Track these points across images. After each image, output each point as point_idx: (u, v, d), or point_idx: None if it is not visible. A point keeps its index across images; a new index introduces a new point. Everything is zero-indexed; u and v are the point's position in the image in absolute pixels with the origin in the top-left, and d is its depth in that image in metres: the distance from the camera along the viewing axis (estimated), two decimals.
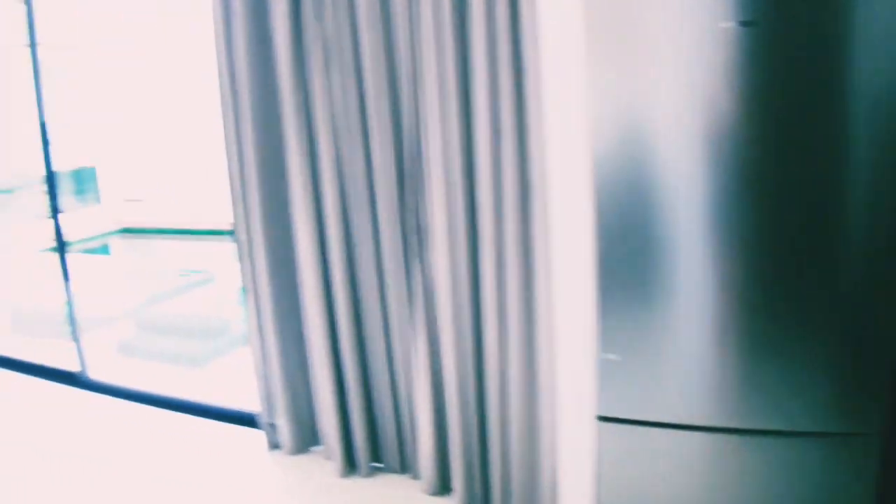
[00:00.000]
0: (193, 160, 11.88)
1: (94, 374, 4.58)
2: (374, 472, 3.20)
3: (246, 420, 3.71)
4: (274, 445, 3.47)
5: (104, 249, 12.99)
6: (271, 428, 3.45)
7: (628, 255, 2.08)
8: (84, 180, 14.31)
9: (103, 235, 13.38)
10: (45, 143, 4.40)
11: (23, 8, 4.20)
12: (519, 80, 2.42)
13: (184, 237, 12.13)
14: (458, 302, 2.72)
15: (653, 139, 2.00)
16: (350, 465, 3.21)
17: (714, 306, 2.03)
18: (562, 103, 2.28)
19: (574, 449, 2.47)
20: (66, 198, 13.60)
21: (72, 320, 4.57)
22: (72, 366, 4.62)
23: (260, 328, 3.31)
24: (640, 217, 2.05)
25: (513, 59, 2.40)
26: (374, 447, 3.19)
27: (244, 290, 3.37)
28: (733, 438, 2.08)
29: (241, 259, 3.31)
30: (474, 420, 2.81)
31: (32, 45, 4.29)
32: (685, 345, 2.07)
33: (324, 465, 3.29)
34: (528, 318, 2.59)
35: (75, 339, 4.56)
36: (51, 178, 4.51)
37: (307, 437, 3.40)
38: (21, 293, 8.15)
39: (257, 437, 3.55)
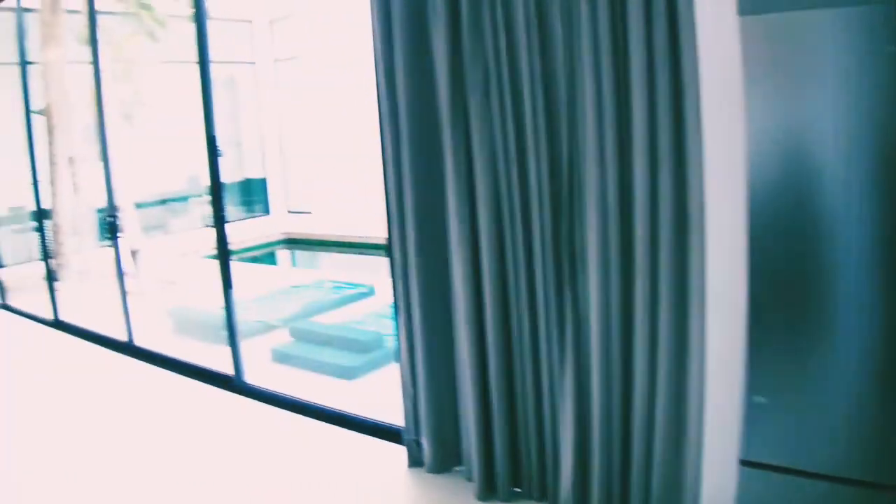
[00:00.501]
0: (363, 175, 12.36)
1: (249, 379, 5.00)
2: (513, 496, 3.29)
3: (390, 434, 3.92)
4: (415, 462, 3.63)
5: (270, 259, 13.78)
6: (415, 445, 3.61)
7: (783, 291, 2.09)
8: (254, 191, 15.28)
9: (270, 245, 14.22)
10: (213, 154, 4.85)
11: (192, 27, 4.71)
12: (678, 107, 2.49)
13: (348, 250, 12.68)
14: (608, 332, 2.79)
15: (814, 169, 2.01)
16: (489, 488, 3.32)
17: (876, 349, 2.00)
18: (719, 132, 2.36)
19: (716, 491, 2.53)
20: (235, 207, 14.58)
21: (230, 326, 4.99)
22: (228, 370, 5.06)
23: (410, 346, 3.49)
24: (797, 252, 2.06)
25: (671, 87, 2.48)
26: (514, 472, 3.28)
27: (395, 307, 3.56)
28: (889, 496, 2.03)
29: (394, 277, 3.51)
30: (617, 453, 2.88)
31: (203, 62, 4.79)
32: (841, 390, 2.05)
33: (464, 486, 3.43)
34: (679, 352, 2.64)
35: (233, 344, 4.98)
36: (216, 189, 4.95)
37: (449, 457, 3.54)
38: (187, 297, 8.86)
39: (399, 452, 3.73)
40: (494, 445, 3.27)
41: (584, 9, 2.59)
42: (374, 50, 3.28)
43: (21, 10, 7.54)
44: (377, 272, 7.41)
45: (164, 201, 14.29)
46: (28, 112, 7.62)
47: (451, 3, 3.00)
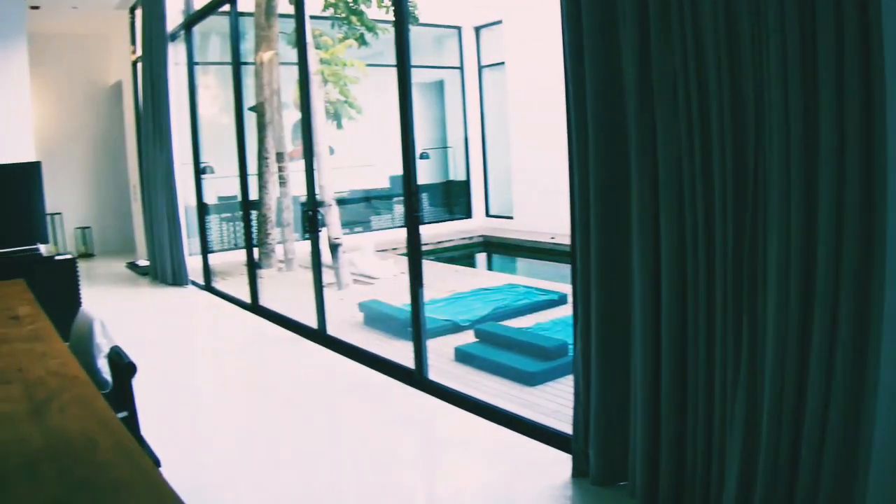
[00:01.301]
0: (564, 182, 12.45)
1: (431, 375, 5.26)
2: None
3: (559, 442, 4.04)
4: (580, 472, 3.70)
5: (468, 261, 14.15)
6: (582, 455, 3.69)
7: None
8: (457, 193, 15.74)
9: (468, 247, 14.60)
10: (408, 155, 5.13)
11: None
12: (868, 127, 2.45)
13: (545, 257, 12.83)
14: (785, 359, 2.76)
15: None
16: None
17: None
18: None
19: None
20: (436, 209, 15.06)
21: (417, 323, 5.26)
22: (411, 364, 5.35)
23: (586, 355, 3.57)
24: None
25: (862, 106, 2.44)
26: (678, 494, 3.28)
27: (574, 315, 3.66)
28: None
29: (575, 285, 3.61)
30: (783, 486, 2.83)
31: (402, 66, 5.07)
32: None
33: (625, 502, 3.49)
34: (858, 387, 2.58)
35: (418, 340, 5.25)
36: (410, 188, 5.22)
37: (614, 471, 3.58)
38: (380, 292, 9.29)
39: (566, 461, 3.83)
40: (660, 465, 3.30)
41: (772, 13, 2.60)
42: (564, 56, 3.42)
43: (236, 15, 8.18)
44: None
45: (366, 199, 14.99)
46: (241, 109, 8.25)
47: (639, 10, 3.07)
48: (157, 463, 3.03)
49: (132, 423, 3.11)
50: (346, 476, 4.12)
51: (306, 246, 7.34)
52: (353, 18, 11.26)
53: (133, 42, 11.72)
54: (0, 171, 7.34)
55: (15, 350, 3.41)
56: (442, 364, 6.14)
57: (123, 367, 3.06)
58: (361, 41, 11.43)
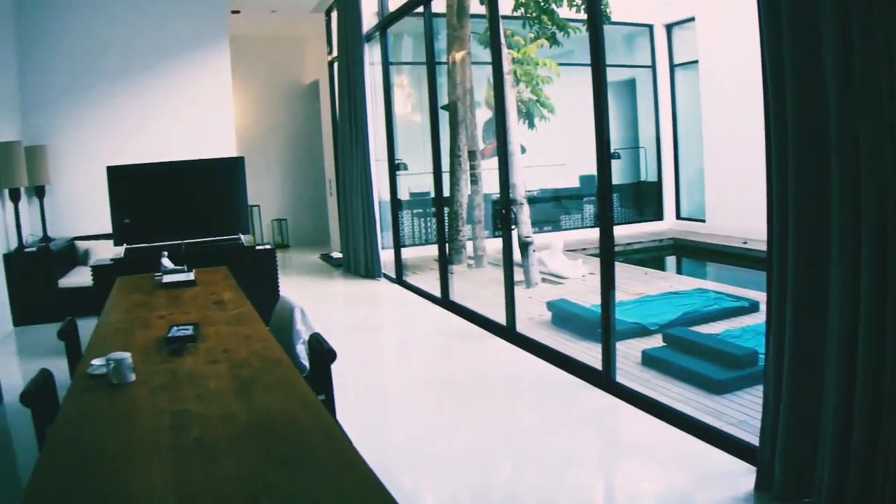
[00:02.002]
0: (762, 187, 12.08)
1: (619, 378, 5.27)
2: None
3: (743, 452, 3.99)
4: (763, 486, 3.63)
5: (657, 264, 13.95)
6: (767, 467, 3.61)
7: None
8: (647, 194, 15.56)
9: (658, 249, 14.40)
10: (603, 155, 5.15)
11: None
12: None
13: (739, 262, 12.49)
14: None
15: None
16: None
17: None
18: None
19: None
20: (626, 209, 14.95)
21: (606, 325, 5.25)
22: (598, 366, 5.38)
23: (777, 365, 3.50)
24: None
25: None
26: None
27: (767, 323, 3.60)
28: None
29: (770, 292, 3.54)
30: None
31: (597, 66, 5.08)
32: None
33: None
34: None
35: (607, 342, 5.25)
36: (605, 190, 5.24)
37: (799, 486, 3.48)
38: (569, 292, 9.33)
39: (748, 472, 3.78)
40: (848, 481, 3.19)
41: None
42: (762, 55, 3.37)
43: (431, 16, 8.41)
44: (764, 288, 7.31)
45: (556, 198, 15.03)
46: (435, 108, 8.47)
47: (841, 9, 3.00)
48: None
49: (329, 406, 3.30)
50: (525, 473, 4.22)
51: (496, 243, 7.47)
52: (545, 17, 11.29)
53: (329, 43, 12.27)
54: (208, 165, 7.88)
55: (221, 332, 3.69)
56: (628, 367, 6.12)
57: (324, 353, 3.25)
58: (553, 40, 11.46)
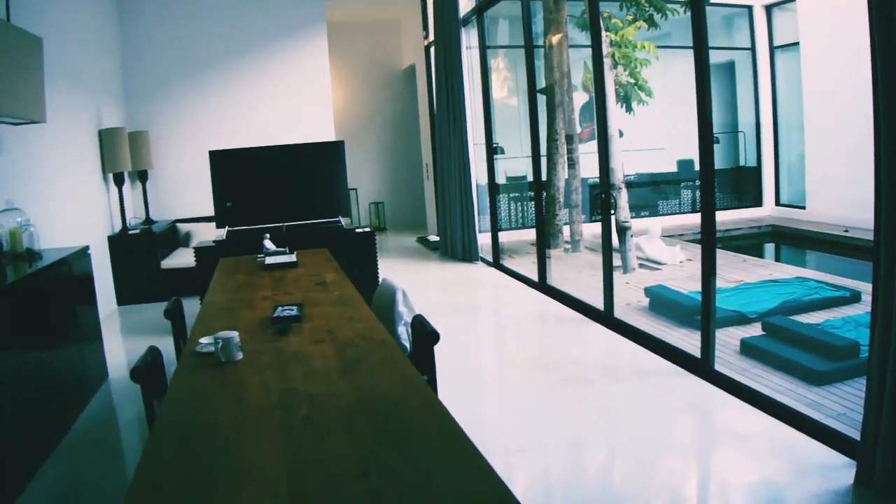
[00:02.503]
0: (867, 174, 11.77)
1: (718, 366, 5.23)
2: None
3: (842, 446, 3.93)
4: (863, 481, 3.56)
5: (756, 251, 13.69)
6: (869, 462, 3.53)
7: None
8: (746, 180, 15.27)
9: (756, 236, 14.13)
10: (706, 140, 5.08)
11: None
12: None
13: (842, 251, 12.18)
14: None
15: None
16: None
17: None
18: None
19: None
20: (724, 195, 14.72)
21: (706, 312, 5.20)
22: (697, 353, 5.34)
23: (882, 357, 3.42)
24: None
25: None
26: None
27: (872, 313, 3.52)
28: None
29: (876, 283, 3.46)
30: None
31: (699, 48, 5.00)
32: None
33: None
34: None
35: (706, 329, 5.20)
36: (707, 175, 5.17)
37: None
38: (667, 278, 9.24)
39: (848, 467, 3.72)
40: None
41: None
42: (871, 37, 3.29)
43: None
44: (865, 278, 7.13)
45: (653, 183, 14.87)
46: (533, 92, 8.45)
47: None
48: None
49: (432, 387, 3.35)
50: (619, 459, 4.24)
51: (593, 228, 7.44)
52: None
53: (425, 27, 12.32)
54: (309, 149, 8.03)
55: (325, 313, 3.78)
56: (726, 355, 6.05)
57: (427, 334, 3.30)
58: (651, 22, 11.30)
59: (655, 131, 14.14)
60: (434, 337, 3.32)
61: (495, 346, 6.84)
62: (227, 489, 1.91)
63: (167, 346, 4.19)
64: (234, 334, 3.06)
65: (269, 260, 5.46)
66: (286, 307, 3.83)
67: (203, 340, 3.24)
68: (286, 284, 4.67)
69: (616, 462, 4.21)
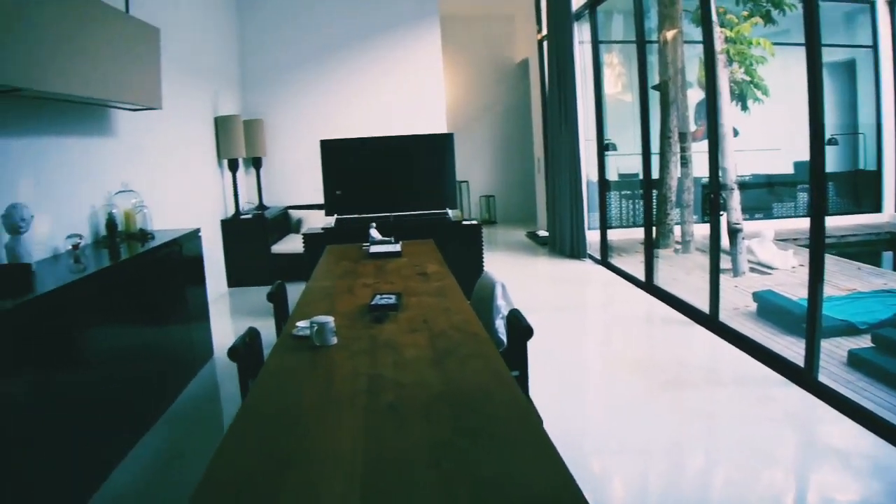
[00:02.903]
0: None
1: (822, 378, 5.03)
2: None
3: None
4: None
5: (873, 259, 13.21)
6: None
7: None
8: (864, 184, 14.72)
9: (873, 243, 13.62)
10: (818, 141, 4.92)
11: None
12: None
13: None
14: None
15: None
16: None
17: None
18: None
19: None
20: (841, 199, 14.23)
21: (811, 320, 5.02)
22: (800, 363, 5.16)
23: None
24: None
25: None
26: None
27: None
28: None
29: None
30: None
31: (811, 45, 4.81)
32: None
33: None
34: None
35: (811, 338, 5.02)
36: (818, 178, 4.99)
37: None
38: (777, 283, 9.00)
39: None
40: None
41: None
42: None
43: None
44: None
45: (769, 184, 14.47)
46: (645, 88, 8.32)
47: None
48: (539, 421, 3.23)
49: (522, 382, 3.34)
50: (716, 466, 4.14)
51: (704, 229, 7.27)
52: None
53: (538, 22, 12.25)
54: (419, 140, 8.11)
55: (423, 303, 3.81)
56: (832, 366, 5.86)
57: (522, 329, 3.29)
58: (768, 18, 10.99)
59: (772, 131, 13.75)
60: (528, 332, 3.31)
61: (596, 344, 6.76)
62: (304, 468, 1.97)
63: (270, 327, 4.29)
64: (330, 319, 3.12)
65: (374, 248, 5.54)
66: (385, 295, 3.89)
67: (300, 324, 3.32)
68: (388, 273, 4.73)
69: (713, 469, 4.12)
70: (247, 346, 3.08)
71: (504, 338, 4.12)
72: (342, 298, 4.02)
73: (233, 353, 2.97)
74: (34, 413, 3.56)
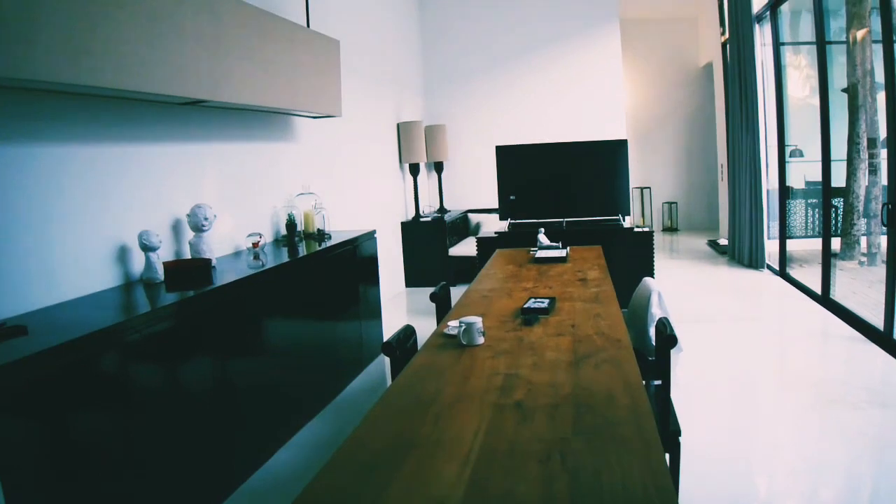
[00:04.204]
0: None
1: None
2: None
3: None
4: None
5: None
6: None
7: None
8: None
9: None
10: None
11: None
12: None
13: None
14: None
15: None
16: None
17: None
18: None
19: None
20: None
21: None
22: None
23: None
24: None
25: None
26: None
27: None
28: None
29: None
30: None
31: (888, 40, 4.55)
32: None
33: None
34: None
35: None
36: None
37: None
38: None
39: None
40: None
41: None
42: None
43: None
44: None
45: None
46: (825, 90, 8.03)
47: None
48: (677, 431, 3.27)
49: (664, 390, 3.38)
50: (873, 492, 3.98)
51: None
52: None
53: (722, 24, 12.00)
54: (592, 147, 8.19)
55: (575, 308, 3.91)
56: None
57: (665, 338, 3.34)
58: None
59: None
60: (671, 341, 3.35)
61: (759, 358, 6.55)
62: (425, 452, 2.14)
63: (433, 326, 4.50)
64: (478, 320, 3.28)
65: (540, 253, 5.68)
66: (539, 299, 4.01)
67: (451, 324, 3.50)
68: (549, 278, 4.85)
69: (867, 496, 3.97)
70: (400, 343, 3.27)
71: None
72: (500, 301, 4.18)
73: (386, 348, 3.17)
74: (207, 394, 3.92)
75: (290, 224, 5.91)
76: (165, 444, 3.56)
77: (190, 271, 4.45)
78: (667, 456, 3.22)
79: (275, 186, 6.06)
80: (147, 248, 4.14)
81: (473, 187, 11.18)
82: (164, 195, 4.65)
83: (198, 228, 4.61)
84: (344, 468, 2.09)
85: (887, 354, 6.07)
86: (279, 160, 6.20)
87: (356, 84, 7.82)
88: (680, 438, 3.29)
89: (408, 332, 3.46)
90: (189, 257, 4.67)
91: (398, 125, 9.59)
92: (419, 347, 3.42)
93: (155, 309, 3.59)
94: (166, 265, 4.31)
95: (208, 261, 4.59)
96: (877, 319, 6.59)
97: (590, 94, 11.18)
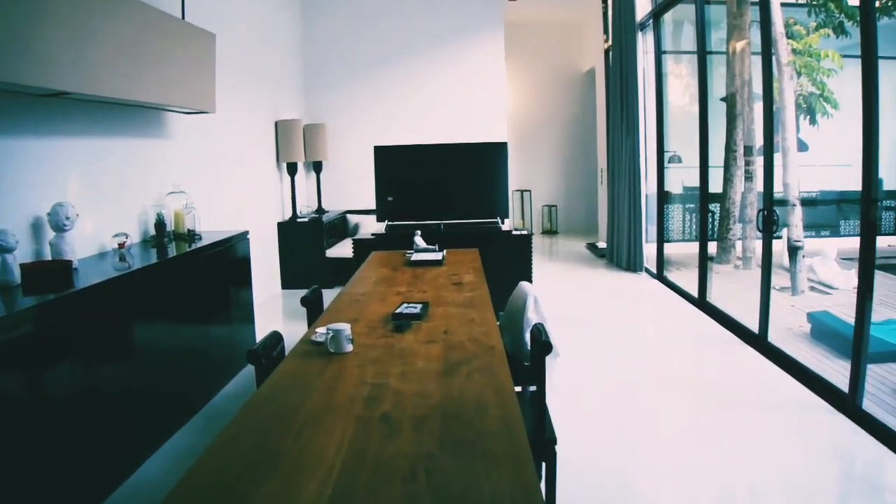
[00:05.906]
0: None
1: (866, 405, 4.91)
2: None
3: None
4: None
5: None
6: None
7: None
8: None
9: None
10: (869, 153, 4.85)
11: None
12: None
13: None
14: None
15: None
16: None
17: None
18: None
19: None
20: None
21: (857, 342, 4.90)
22: (845, 388, 5.07)
23: None
24: None
25: None
26: None
27: None
28: None
29: None
30: None
31: (867, 57, 4.75)
32: None
33: None
34: None
35: (856, 362, 4.89)
36: (868, 191, 4.92)
37: None
38: (834, 304, 8.84)
39: None
40: None
41: None
42: None
43: (703, 2, 8.19)
44: None
45: (838, 201, 14.17)
46: (705, 99, 8.25)
47: None
48: (553, 440, 3.28)
49: (539, 397, 3.37)
50: (751, 495, 4.06)
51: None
52: (832, 5, 10.65)
53: (606, 31, 12.23)
54: (471, 148, 8.19)
55: (448, 313, 3.87)
56: (884, 394, 5.73)
57: (539, 344, 3.32)
58: (840, 30, 10.78)
59: (844, 146, 13.50)
60: (546, 348, 3.35)
61: (637, 359, 6.66)
62: (285, 469, 2.04)
63: (304, 332, 4.40)
64: (346, 327, 3.20)
65: (416, 256, 5.63)
66: (412, 304, 3.95)
67: (319, 330, 3.41)
68: (424, 282, 4.80)
69: (746, 499, 4.07)
70: (266, 350, 3.18)
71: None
72: (371, 306, 4.09)
73: (251, 355, 3.06)
74: (70, 403, 3.74)
75: (159, 224, 5.73)
76: (23, 456, 3.35)
77: (48, 273, 4.25)
78: (543, 465, 3.24)
79: (145, 185, 5.86)
80: (2, 248, 3.94)
81: (353, 188, 11.08)
82: (24, 192, 4.41)
83: (59, 228, 4.41)
84: (197, 489, 1.97)
85: (762, 356, 6.27)
86: (151, 157, 5.99)
87: (232, 80, 7.64)
88: (556, 447, 3.29)
89: (275, 339, 3.36)
90: (50, 258, 4.47)
91: (276, 123, 9.44)
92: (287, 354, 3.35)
93: (11, 314, 3.42)
94: (23, 267, 4.11)
95: (69, 262, 4.39)
96: (751, 322, 6.79)
97: (473, 96, 11.24)
